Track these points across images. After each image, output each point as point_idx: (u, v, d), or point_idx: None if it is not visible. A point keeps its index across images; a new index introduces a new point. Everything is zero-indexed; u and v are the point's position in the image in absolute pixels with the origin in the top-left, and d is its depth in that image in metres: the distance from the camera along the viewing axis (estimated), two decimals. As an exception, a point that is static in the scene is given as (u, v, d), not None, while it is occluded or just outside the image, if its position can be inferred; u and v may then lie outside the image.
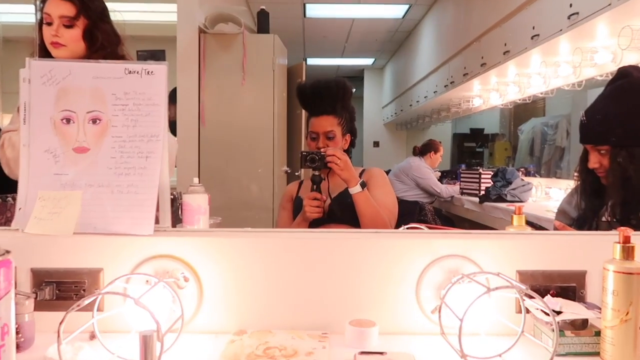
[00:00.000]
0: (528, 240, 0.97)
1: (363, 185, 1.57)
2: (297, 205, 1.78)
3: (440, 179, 4.69)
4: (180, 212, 1.56)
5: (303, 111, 4.06)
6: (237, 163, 3.60)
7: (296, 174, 3.97)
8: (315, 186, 1.61)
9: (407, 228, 1.22)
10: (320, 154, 1.57)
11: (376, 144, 8.81)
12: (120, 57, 1.50)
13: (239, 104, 3.68)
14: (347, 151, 1.88)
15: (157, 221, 1.01)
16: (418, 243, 0.95)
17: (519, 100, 3.82)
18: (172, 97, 3.72)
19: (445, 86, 4.71)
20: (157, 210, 1.02)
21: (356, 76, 9.26)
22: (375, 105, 8.95)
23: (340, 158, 1.55)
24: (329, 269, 0.96)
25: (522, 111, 5.04)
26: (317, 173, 1.60)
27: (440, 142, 4.40)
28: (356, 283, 0.95)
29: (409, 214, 3.63)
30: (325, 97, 1.71)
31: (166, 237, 0.97)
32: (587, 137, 1.40)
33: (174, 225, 1.19)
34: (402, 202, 3.60)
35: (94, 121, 1.01)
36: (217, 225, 1.50)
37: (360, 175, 1.76)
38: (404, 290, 0.95)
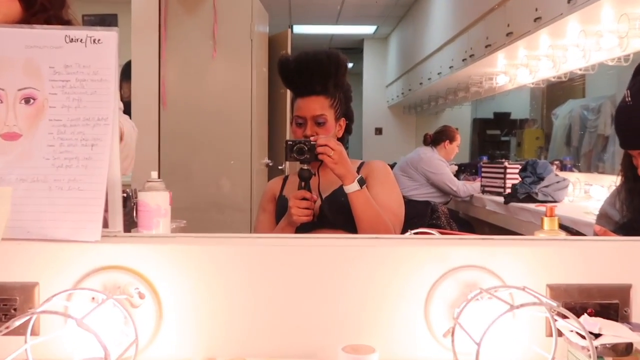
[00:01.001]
0: (561, 247, 0.98)
1: (361, 182, 1.58)
2: (280, 207, 1.79)
3: (457, 174, 4.72)
4: (134, 214, 1.56)
5: (288, 90, 4.07)
6: (206, 154, 3.61)
7: (280, 167, 3.99)
8: (303, 183, 1.62)
9: (415, 233, 1.23)
10: (309, 143, 1.58)
11: (378, 131, 8.85)
12: (66, 22, 1.47)
13: (209, 82, 3.68)
14: (342, 140, 1.89)
15: (105, 224, 1.01)
16: (427, 251, 0.96)
17: (553, 78, 3.85)
18: (126, 72, 3.70)
19: (463, 60, 4.73)
20: (106, 211, 1.02)
21: (353, 48, 9.27)
22: (377, 83, 8.98)
23: (333, 149, 1.56)
24: (318, 283, 0.96)
25: (557, 92, 5.09)
26: (305, 167, 1.61)
27: (457, 129, 4.43)
28: (352, 300, 0.96)
29: (419, 216, 3.67)
30: (314, 74, 1.72)
31: (117, 244, 0.97)
32: (631, 142, 1.43)
33: (127, 230, 1.19)
34: (409, 203, 3.59)
35: (27, 101, 1.00)
36: (180, 230, 1.50)
37: (358, 169, 1.78)
38: (410, 308, 0.95)
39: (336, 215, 1.65)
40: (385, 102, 8.87)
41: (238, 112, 3.68)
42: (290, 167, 3.87)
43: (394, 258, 0.96)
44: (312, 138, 1.60)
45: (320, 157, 1.57)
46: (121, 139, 1.69)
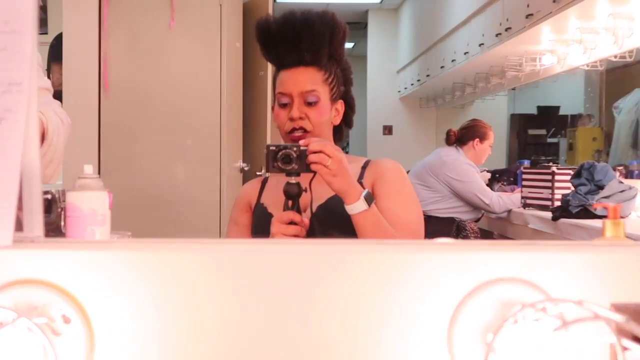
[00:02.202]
0: (630, 255, 0.97)
1: (369, 199, 1.60)
2: (258, 218, 1.81)
3: (490, 183, 4.73)
4: (62, 222, 1.54)
5: (269, 71, 4.09)
6: (160, 157, 3.61)
7: (258, 173, 3.99)
8: (291, 202, 1.62)
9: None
10: (298, 148, 1.59)
11: (387, 129, 8.91)
12: None
13: (165, 61, 3.68)
14: (339, 130, 1.89)
15: (19, 226, 1.00)
16: (452, 260, 0.95)
17: (614, 57, 3.87)
18: (56, 50, 3.70)
19: (496, 35, 4.76)
20: (20, 209, 1.00)
21: (355, 22, 9.34)
22: (386, 68, 9.05)
23: (330, 156, 1.57)
24: (304, 300, 0.95)
25: (620, 78, 5.11)
26: (293, 181, 1.61)
27: (489, 126, 4.44)
28: (349, 324, 0.94)
29: (441, 237, 3.67)
30: (303, 38, 1.74)
31: (34, 252, 0.95)
32: None
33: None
34: (428, 220, 3.62)
35: None
36: (123, 243, 1.49)
37: (362, 172, 1.80)
38: (430, 334, 0.94)
39: (331, 229, 1.67)
40: (397, 93, 8.93)
41: (203, 101, 3.68)
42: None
43: (406, 269, 0.94)
44: (301, 142, 1.60)
45: (313, 167, 1.57)
46: (43, 137, 1.68)
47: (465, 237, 3.77)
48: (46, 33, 4.44)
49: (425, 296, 0.94)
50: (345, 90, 1.87)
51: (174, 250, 0.99)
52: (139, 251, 0.97)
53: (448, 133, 4.42)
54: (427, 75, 7.16)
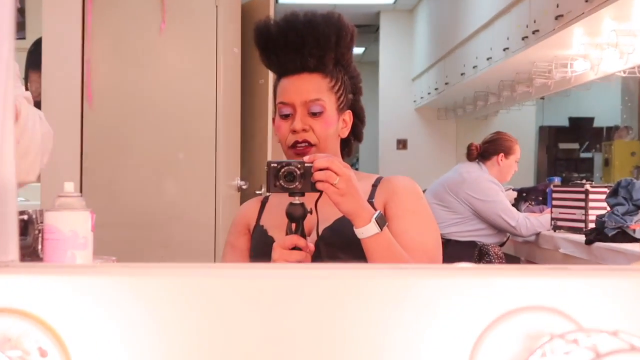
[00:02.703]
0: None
1: (381, 221, 1.60)
2: (258, 243, 1.83)
3: (517, 203, 4.72)
4: (39, 246, 1.54)
5: (270, 79, 4.10)
6: (149, 173, 3.61)
7: (258, 192, 3.99)
8: (294, 225, 1.63)
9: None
10: (303, 165, 1.60)
11: (401, 144, 8.93)
12: None
13: (155, 68, 3.70)
14: (346, 144, 1.90)
15: (-8, 249, 1.00)
16: (472, 286, 0.95)
17: (655, 62, 3.86)
18: (35, 56, 3.72)
19: (523, 39, 4.78)
20: (-7, 230, 1.00)
21: (367, 25, 9.38)
22: (400, 75, 9.08)
23: (338, 173, 1.57)
24: (314, 332, 0.95)
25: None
26: (297, 201, 1.61)
27: (515, 139, 4.45)
28: (363, 357, 0.94)
29: (461, 261, 3.66)
30: (306, 41, 1.75)
31: (8, 277, 0.95)
32: None
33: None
34: (448, 244, 3.60)
35: None
36: (107, 268, 1.49)
37: (374, 190, 1.82)
38: (446, 371, 0.93)
39: (339, 255, 1.68)
40: (412, 103, 8.95)
41: (197, 112, 3.70)
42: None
43: (421, 296, 0.95)
44: (306, 158, 1.61)
45: (319, 186, 1.57)
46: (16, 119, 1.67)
47: (489, 262, 3.75)
48: (24, 38, 4.46)
49: (443, 326, 0.94)
50: (353, 100, 1.87)
51: (164, 276, 0.99)
52: (124, 277, 0.98)
53: (469, 147, 4.42)
54: (446, 84, 7.18)
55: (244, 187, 4.01)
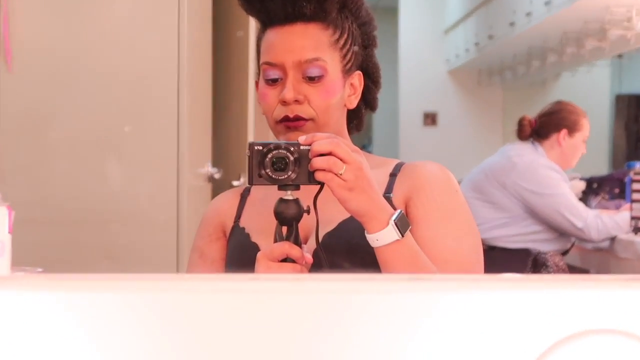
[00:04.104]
0: None
1: (402, 224, 1.60)
2: (237, 250, 1.85)
3: (586, 197, 4.71)
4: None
5: (252, 30, 4.07)
6: (86, 153, 3.61)
7: (235, 183, 3.98)
8: (286, 229, 1.62)
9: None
10: (298, 147, 1.58)
11: (430, 118, 8.92)
12: None
13: (95, 18, 3.69)
14: (356, 117, 1.89)
15: None
16: (524, 303, 0.96)
17: None
18: None
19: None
20: None
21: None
22: (428, 26, 9.06)
23: (344, 160, 1.55)
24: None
25: None
26: (289, 197, 1.61)
27: (583, 112, 4.44)
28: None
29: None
30: None
31: None
32: None
33: None
34: (491, 252, 3.61)
35: None
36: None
37: (393, 178, 1.83)
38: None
39: (344, 266, 1.70)
40: (444, 63, 8.95)
41: (151, 75, 3.69)
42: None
43: (456, 315, 0.96)
44: (302, 139, 1.58)
45: (318, 176, 1.55)
46: None
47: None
48: None
49: (486, 355, 0.95)
50: (365, 55, 1.87)
51: (109, 291, 1.00)
52: (55, 293, 0.98)
53: (521, 122, 4.41)
54: (490, 37, 7.16)
55: (217, 176, 4.00)
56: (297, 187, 1.59)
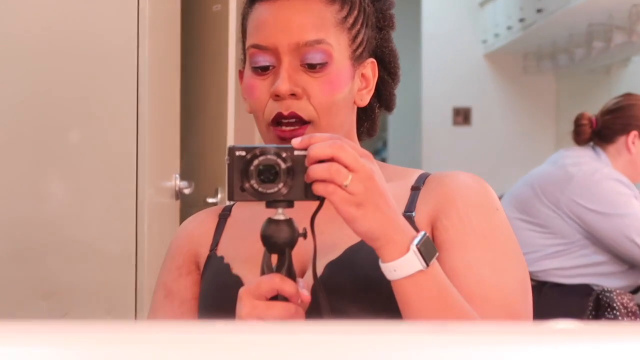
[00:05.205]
0: None
1: (427, 250, 1.58)
2: (213, 286, 1.85)
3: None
4: None
5: (233, 3, 4.05)
6: (17, 163, 3.61)
7: (210, 200, 3.99)
8: (276, 257, 1.61)
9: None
10: (291, 152, 1.57)
11: (462, 115, 8.96)
12: None
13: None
14: (368, 117, 1.90)
15: None
16: (581, 358, 0.95)
17: None
18: None
19: None
20: None
21: None
22: (457, 1, 9.07)
23: (351, 168, 1.53)
24: None
25: None
26: (281, 217, 1.60)
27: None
28: None
29: (566, 316, 3.67)
30: None
31: None
32: None
33: None
34: (542, 289, 3.65)
35: None
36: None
37: (416, 193, 1.84)
38: None
39: (352, 307, 1.71)
40: (479, 45, 8.99)
41: (102, 64, 3.70)
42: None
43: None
44: (296, 142, 1.57)
45: (317, 189, 1.54)
46: None
47: (613, 319, 3.76)
48: None
49: None
50: (380, 39, 1.87)
51: (44, 344, 1.00)
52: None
53: (579, 122, 4.41)
54: (539, 11, 7.18)
55: (187, 191, 4.01)
56: (290, 204, 1.58)
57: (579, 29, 7.11)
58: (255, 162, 1.55)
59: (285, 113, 1.73)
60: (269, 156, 1.55)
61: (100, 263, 3.62)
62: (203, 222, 1.93)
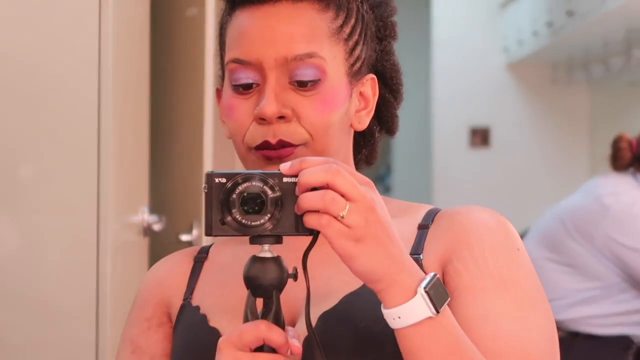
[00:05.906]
0: None
1: (438, 294, 1.56)
2: (187, 338, 1.84)
3: None
4: None
5: (210, 10, 4.05)
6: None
7: (185, 239, 3.98)
8: (262, 302, 1.60)
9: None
10: (279, 179, 1.55)
11: (480, 135, 8.93)
12: None
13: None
14: (367, 143, 1.90)
15: None
16: None
17: None
18: None
19: None
20: None
21: None
22: (474, 1, 9.09)
23: (349, 197, 1.50)
24: None
25: None
26: (267, 254, 1.58)
27: None
28: None
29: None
30: None
31: None
32: None
33: None
34: (574, 340, 3.70)
35: None
36: None
37: (424, 231, 1.83)
38: None
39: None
40: (501, 53, 9.00)
41: (59, 81, 3.71)
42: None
43: None
44: (284, 167, 1.55)
45: (309, 222, 1.51)
46: None
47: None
48: None
49: None
50: (381, 52, 1.87)
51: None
52: None
53: (617, 144, 4.41)
54: (569, 14, 7.19)
55: (157, 227, 4.01)
56: (278, 240, 1.56)
57: (615, 36, 7.13)
58: (238, 190, 1.53)
59: (273, 142, 1.72)
60: (253, 183, 1.53)
61: (56, 316, 3.61)
62: (175, 266, 1.92)
